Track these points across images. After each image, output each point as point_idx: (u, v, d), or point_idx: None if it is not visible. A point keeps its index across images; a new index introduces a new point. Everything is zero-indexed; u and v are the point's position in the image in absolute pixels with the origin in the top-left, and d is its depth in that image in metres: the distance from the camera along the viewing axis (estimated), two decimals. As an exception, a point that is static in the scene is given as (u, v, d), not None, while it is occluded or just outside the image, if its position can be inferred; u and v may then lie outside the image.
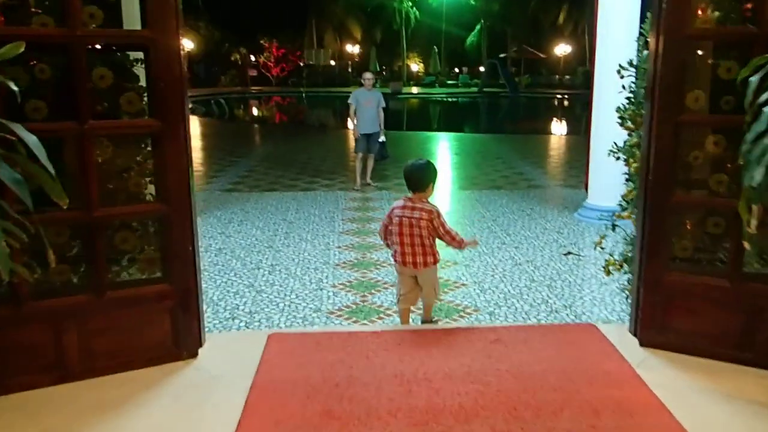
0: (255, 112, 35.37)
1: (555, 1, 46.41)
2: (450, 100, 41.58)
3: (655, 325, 3.24)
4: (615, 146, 3.93)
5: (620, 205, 3.98)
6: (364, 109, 10.13)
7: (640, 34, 3.60)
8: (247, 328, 4.64)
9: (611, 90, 7.59)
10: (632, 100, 3.63)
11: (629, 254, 3.95)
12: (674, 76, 2.87)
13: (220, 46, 51.66)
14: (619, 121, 3.80)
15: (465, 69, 56.33)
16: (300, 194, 9.50)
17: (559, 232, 7.30)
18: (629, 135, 3.86)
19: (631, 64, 3.61)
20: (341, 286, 5.49)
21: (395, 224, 3.68)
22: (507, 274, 5.82)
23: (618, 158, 3.97)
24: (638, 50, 3.60)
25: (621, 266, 3.96)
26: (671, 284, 3.18)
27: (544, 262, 6.16)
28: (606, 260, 3.99)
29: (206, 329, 4.55)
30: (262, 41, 51.07)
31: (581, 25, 47.48)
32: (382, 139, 10.37)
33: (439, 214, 3.72)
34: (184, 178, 2.77)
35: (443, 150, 15.44)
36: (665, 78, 2.88)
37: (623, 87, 3.76)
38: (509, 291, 5.38)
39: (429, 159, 3.97)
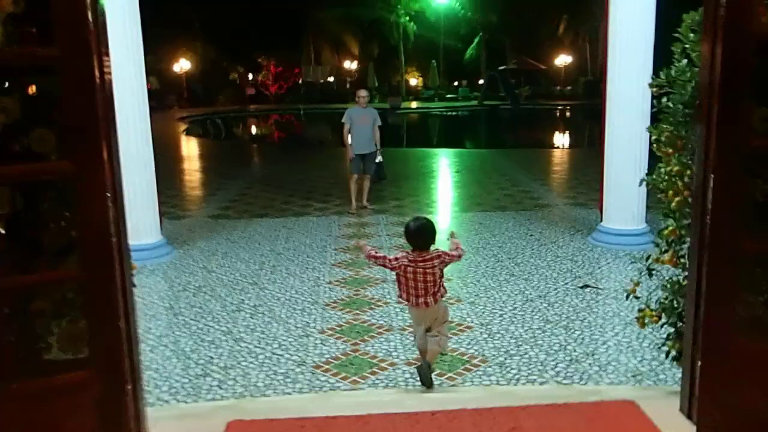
0: (252, 130, 34.84)
1: (554, 11, 45.98)
2: (450, 113, 41.02)
3: (717, 406, 2.53)
4: (648, 176, 3.28)
5: (655, 243, 3.32)
6: (359, 128, 9.52)
7: (676, 39, 2.98)
8: (220, 388, 4.00)
9: (624, 101, 7.04)
10: (669, 119, 3.01)
11: (669, 303, 3.30)
12: (740, 90, 2.25)
13: (217, 65, 51.29)
14: (654, 144, 3.16)
15: (464, 82, 55.76)
16: (291, 220, 8.87)
17: (572, 260, 6.65)
18: (661, 159, 3.22)
19: (667, 75, 2.99)
20: (330, 332, 4.85)
21: (407, 278, 3.73)
22: (517, 313, 5.18)
23: (650, 188, 3.32)
24: (675, 59, 2.98)
25: (659, 318, 3.31)
26: (739, 353, 2.48)
27: (558, 298, 5.51)
28: (640, 310, 3.36)
29: (172, 391, 3.94)
30: (259, 59, 50.65)
31: (582, 35, 47.09)
32: (379, 159, 9.72)
33: (444, 252, 3.81)
34: (105, 236, 2.14)
35: (443, 167, 14.84)
36: (728, 93, 2.26)
37: (654, 102, 3.14)
38: (521, 335, 4.73)
39: (426, 217, 4.02)
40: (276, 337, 4.77)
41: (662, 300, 3.38)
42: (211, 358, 4.43)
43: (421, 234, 3.77)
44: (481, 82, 51.01)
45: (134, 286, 3.17)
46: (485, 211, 9.25)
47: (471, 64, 52.64)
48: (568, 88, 48.40)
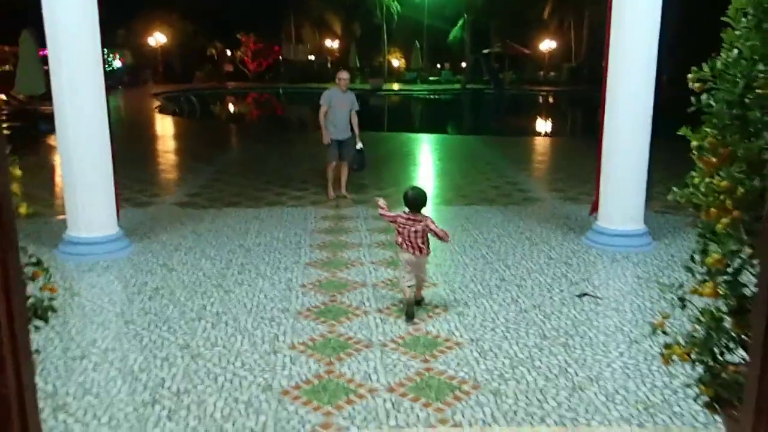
0: (228, 109, 33.89)
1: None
2: (433, 97, 40.38)
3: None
4: (680, 189, 2.74)
5: (689, 269, 2.77)
6: (337, 112, 8.94)
7: (727, 25, 2.43)
8: (169, 420, 3.43)
9: (627, 91, 6.34)
10: (712, 121, 2.47)
11: (703, 339, 2.77)
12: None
13: (194, 40, 50.00)
14: (694, 152, 2.62)
15: (447, 65, 55.13)
16: (264, 211, 8.26)
17: (567, 263, 6.14)
18: (696, 169, 2.68)
19: (712, 68, 2.45)
20: (301, 348, 4.29)
21: (402, 230, 4.89)
22: (511, 326, 4.65)
23: (681, 203, 2.77)
24: (725, 48, 2.43)
25: (688, 355, 2.79)
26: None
27: (554, 308, 4.99)
28: (666, 344, 2.84)
29: (113, 423, 3.35)
30: (238, 35, 49.45)
31: (567, 20, 46.56)
32: (359, 146, 9.13)
33: (432, 221, 4.91)
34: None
35: (425, 155, 14.27)
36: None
37: (693, 100, 2.60)
38: (516, 354, 4.21)
39: (420, 188, 5.10)
40: (239, 354, 4.19)
41: (694, 335, 2.85)
42: (163, 380, 3.85)
43: (415, 201, 4.95)
44: (464, 65, 50.39)
45: (53, 311, 2.59)
46: (471, 205, 8.72)
47: (454, 47, 51.93)
48: (552, 73, 47.98)
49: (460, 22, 49.43)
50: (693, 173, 2.76)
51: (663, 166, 8.02)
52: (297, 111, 30.59)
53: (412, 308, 4.80)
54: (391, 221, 5.07)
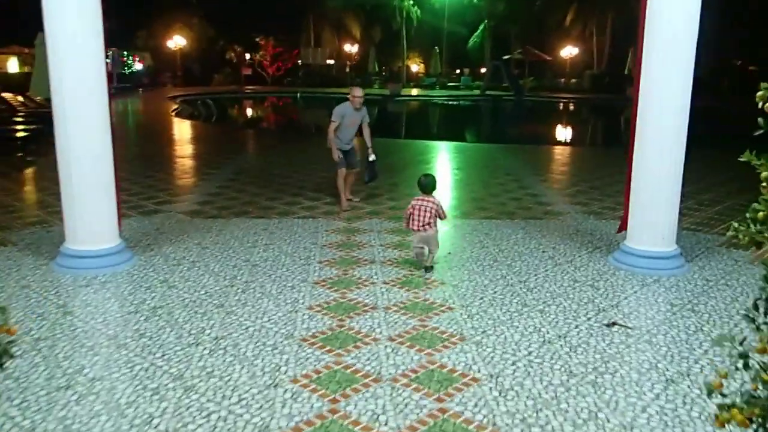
0: (245, 113, 33.69)
1: (562, 1, 44.80)
2: (452, 103, 39.96)
3: None
4: (738, 224, 2.34)
5: (750, 319, 2.36)
6: (347, 129, 8.90)
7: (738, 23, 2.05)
8: (154, 466, 3.08)
9: (662, 98, 5.84)
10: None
11: (763, 401, 2.36)
12: None
13: (214, 43, 50.04)
14: (763, 184, 2.23)
15: (467, 70, 54.72)
16: (274, 222, 7.93)
17: (593, 286, 5.73)
18: (761, 201, 2.28)
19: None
20: (305, 381, 3.92)
21: (416, 209, 5.97)
22: (534, 359, 4.25)
23: (736, 240, 2.36)
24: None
25: (750, 420, 2.39)
26: None
27: (581, 339, 4.59)
28: (724, 407, 2.44)
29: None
30: (257, 39, 49.40)
31: (589, 27, 45.94)
32: (372, 158, 8.95)
33: (439, 204, 6.04)
34: None
35: (444, 163, 13.86)
36: None
37: (761, 122, 2.20)
38: (539, 393, 3.81)
39: (432, 175, 6.33)
40: (236, 387, 3.84)
41: (755, 395, 2.45)
42: (151, 416, 3.51)
43: (427, 186, 6.13)
44: (483, 71, 49.95)
45: (10, 357, 2.25)
46: (490, 218, 8.32)
47: (474, 53, 51.52)
48: (573, 81, 47.39)
49: (481, 28, 49.00)
50: (757, 205, 2.36)
51: (694, 178, 7.57)
52: (314, 115, 30.32)
53: (429, 264, 6.07)
54: (409, 213, 6.05)
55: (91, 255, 5.91)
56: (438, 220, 6.05)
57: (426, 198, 6.03)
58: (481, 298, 5.38)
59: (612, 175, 11.79)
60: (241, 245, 6.85)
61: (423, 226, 5.94)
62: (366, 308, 5.11)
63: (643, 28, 5.99)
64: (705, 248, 6.95)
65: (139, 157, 14.10)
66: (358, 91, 9.00)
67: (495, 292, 5.52)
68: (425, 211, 5.95)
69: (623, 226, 6.50)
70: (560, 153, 17.29)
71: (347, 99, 8.93)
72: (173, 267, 6.10)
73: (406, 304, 5.21)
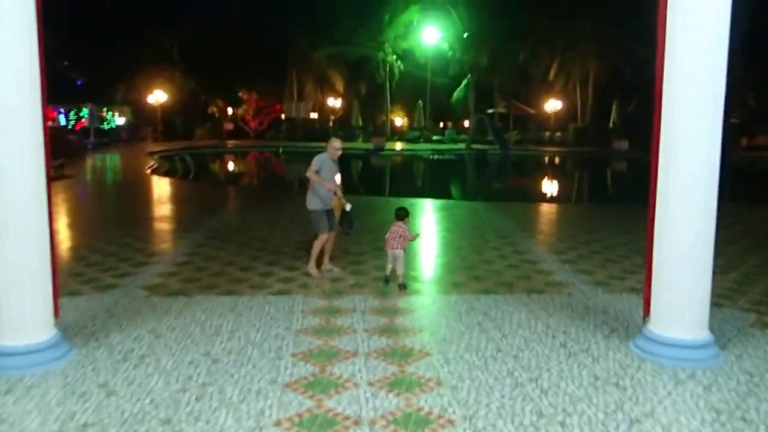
0: (225, 169, 32.85)
1: (544, 55, 45.06)
2: (436, 157, 39.52)
3: None
4: None
5: None
6: (331, 180, 8.06)
7: None
8: None
9: (691, 155, 4.99)
10: None
11: None
12: None
13: (196, 97, 49.63)
14: None
15: (450, 124, 54.67)
16: (244, 300, 6.96)
17: (618, 385, 4.82)
18: None
19: None
20: None
21: (391, 233, 7.46)
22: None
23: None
24: None
25: None
26: None
27: (617, 468, 3.65)
28: None
29: None
30: (240, 93, 49.10)
31: (572, 80, 46.16)
32: (348, 207, 8.24)
33: (407, 229, 7.54)
34: None
35: (430, 224, 12.98)
36: None
37: None
38: None
39: (404, 207, 7.89)
40: None
41: None
42: None
43: (400, 217, 7.56)
44: (467, 124, 49.87)
45: None
46: (487, 293, 7.42)
47: (458, 106, 51.55)
48: (558, 134, 47.35)
49: (464, 82, 49.09)
50: None
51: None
52: (297, 170, 29.59)
53: (390, 279, 7.60)
54: (387, 236, 7.51)
55: (17, 352, 4.93)
56: (407, 241, 7.50)
57: (399, 224, 7.50)
58: (487, 405, 4.43)
59: (611, 237, 11.03)
60: (201, 332, 5.88)
61: (395, 247, 7.39)
62: (348, 424, 4.15)
63: (662, 70, 5.24)
64: (735, 329, 6.09)
65: (105, 220, 13.17)
66: (338, 143, 8.36)
67: (503, 396, 4.59)
68: (398, 235, 7.42)
69: (647, 309, 5.62)
70: (552, 211, 16.55)
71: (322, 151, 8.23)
72: (117, 364, 5.11)
73: (396, 415, 4.26)
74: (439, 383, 4.80)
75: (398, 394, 4.58)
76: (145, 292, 7.28)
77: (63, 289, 7.15)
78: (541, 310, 6.69)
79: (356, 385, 4.74)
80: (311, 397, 4.54)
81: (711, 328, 5.48)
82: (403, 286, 7.40)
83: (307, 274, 8.06)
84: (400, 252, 7.39)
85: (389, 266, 7.55)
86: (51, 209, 5.30)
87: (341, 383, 4.77)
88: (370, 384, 4.76)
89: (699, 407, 4.47)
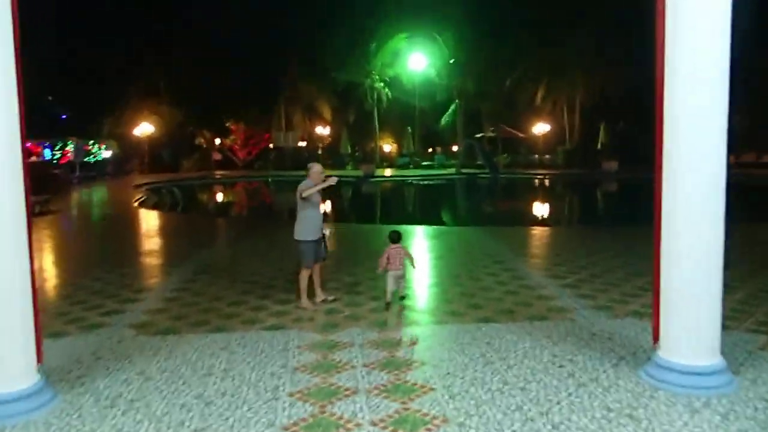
0: (214, 200, 32.56)
1: (531, 80, 45.40)
2: (426, 183, 39.47)
3: None
4: None
5: None
6: (315, 212, 8.02)
7: None
8: None
9: (696, 171, 4.82)
10: None
11: None
12: None
13: (183, 128, 49.49)
14: None
15: (439, 149, 54.80)
16: (236, 337, 6.70)
17: (632, 416, 4.59)
18: None
19: None
20: None
21: (392, 255, 7.79)
22: None
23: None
24: None
25: None
26: None
27: None
28: None
29: None
30: (228, 124, 49.04)
31: (560, 103, 46.49)
32: (327, 231, 8.26)
33: (407, 250, 8.02)
34: None
35: (423, 251, 12.75)
36: None
37: None
38: None
39: (398, 231, 8.27)
40: None
41: None
42: None
43: (396, 238, 7.98)
44: (456, 149, 49.99)
45: None
46: (488, 321, 7.20)
47: (447, 131, 51.73)
48: (547, 156, 47.56)
49: (452, 107, 49.33)
50: None
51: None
52: (286, 199, 29.37)
53: (391, 302, 7.82)
54: (386, 257, 7.82)
55: (-3, 401, 4.65)
56: (407, 262, 7.96)
57: (397, 246, 7.92)
58: (497, 444, 4.20)
59: (608, 259, 10.88)
60: (193, 373, 5.61)
61: (398, 266, 7.79)
62: (350, 470, 3.90)
63: (662, 88, 5.10)
64: (745, 352, 5.89)
65: (91, 256, 12.87)
66: (318, 166, 8.15)
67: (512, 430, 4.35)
68: (399, 255, 7.85)
69: (656, 335, 5.41)
70: (546, 235, 16.39)
71: (295, 180, 8.24)
72: (105, 410, 4.84)
73: (402, 459, 4.01)
74: (445, 420, 4.55)
75: (403, 434, 4.34)
76: (133, 331, 7.00)
77: (46, 330, 6.88)
78: (545, 338, 6.47)
79: (358, 426, 4.49)
80: (311, 440, 4.29)
81: (721, 352, 5.29)
82: (403, 297, 8.08)
83: (300, 308, 7.84)
84: (402, 271, 7.88)
85: (390, 289, 7.79)
86: (32, 247, 5.05)
87: (342, 424, 4.52)
88: (374, 424, 4.51)
89: (720, 439, 4.25)
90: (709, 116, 4.87)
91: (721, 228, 5.04)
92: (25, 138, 4.99)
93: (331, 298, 8.15)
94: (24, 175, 4.93)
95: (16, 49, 4.80)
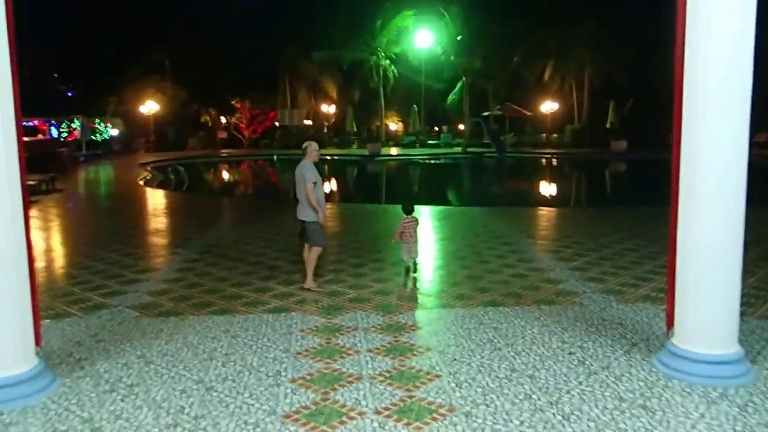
0: (219, 179, 32.42)
1: (539, 57, 44.82)
2: (432, 161, 39.19)
3: None
4: None
5: None
6: (321, 190, 7.88)
7: None
8: None
9: (717, 153, 4.64)
10: None
11: None
12: None
13: (188, 107, 49.21)
14: None
15: (445, 127, 54.39)
16: (239, 319, 6.58)
17: (645, 407, 4.45)
18: None
19: None
20: None
21: (406, 227, 8.32)
22: None
23: None
24: None
25: None
26: None
27: (657, 508, 3.29)
28: None
29: None
30: (233, 102, 48.72)
31: (567, 81, 45.93)
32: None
33: (418, 222, 8.49)
34: None
35: (429, 232, 12.58)
36: None
37: None
38: None
39: (411, 204, 8.77)
40: None
41: None
42: None
43: (409, 210, 8.52)
44: (462, 127, 49.60)
45: None
46: (495, 305, 7.05)
47: (453, 109, 51.30)
48: (554, 135, 47.08)
49: (459, 85, 48.83)
50: None
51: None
52: (292, 178, 29.22)
53: (409, 269, 8.43)
54: (401, 231, 8.37)
55: (-6, 385, 4.55)
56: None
57: (411, 218, 8.43)
58: (506, 435, 4.07)
59: (618, 242, 10.69)
60: (194, 357, 5.49)
61: (411, 238, 8.33)
62: (354, 461, 3.77)
63: (681, 65, 4.88)
64: (762, 340, 5.74)
65: (95, 235, 12.75)
66: (316, 145, 8.08)
67: (522, 423, 4.22)
68: (412, 228, 8.34)
69: (671, 321, 5.26)
70: (554, 216, 16.19)
71: (301, 158, 7.99)
72: (104, 395, 4.73)
73: (408, 450, 3.89)
74: (451, 409, 4.42)
75: (408, 424, 4.21)
76: (135, 313, 6.90)
77: (48, 311, 6.82)
78: (554, 323, 6.32)
79: (362, 414, 4.36)
80: (313, 429, 4.16)
81: (746, 344, 5.13)
82: (415, 265, 8.46)
83: (305, 290, 7.71)
84: (414, 242, 8.37)
85: (405, 258, 8.46)
86: (29, 228, 4.92)
87: (345, 412, 4.40)
88: (377, 412, 4.39)
89: (737, 431, 4.11)
90: (731, 95, 4.65)
91: (741, 210, 4.85)
92: (20, 118, 4.83)
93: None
94: (20, 154, 4.78)
95: (9, 30, 4.61)
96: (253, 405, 4.53)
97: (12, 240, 4.66)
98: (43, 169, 20.39)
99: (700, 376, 4.82)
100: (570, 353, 5.50)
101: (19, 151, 4.76)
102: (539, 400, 4.57)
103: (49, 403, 4.62)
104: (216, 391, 4.79)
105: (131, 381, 5.00)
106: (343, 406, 4.50)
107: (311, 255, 7.84)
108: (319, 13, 45.31)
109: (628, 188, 26.59)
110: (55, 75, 48.69)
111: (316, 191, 7.69)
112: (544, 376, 5.01)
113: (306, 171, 7.71)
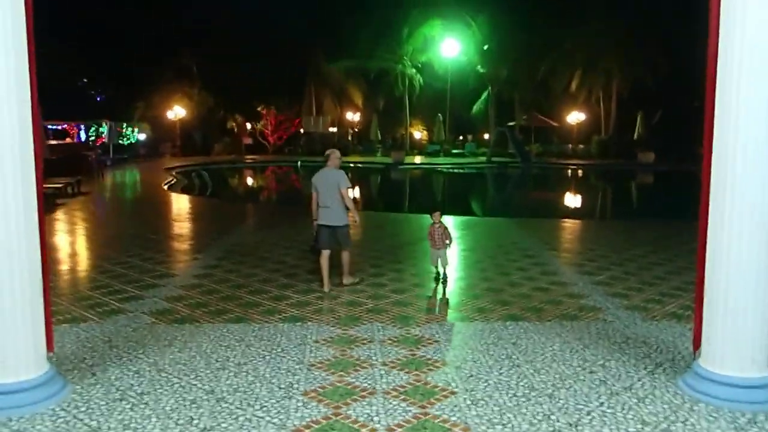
0: (243, 185, 32.57)
1: (566, 68, 44.41)
2: (456, 171, 38.98)
3: None
4: None
5: None
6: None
7: None
8: None
9: (757, 153, 4.44)
10: None
11: None
12: None
13: (215, 113, 49.66)
14: None
15: (470, 137, 54.15)
16: (254, 329, 6.49)
17: (669, 431, 4.26)
18: None
19: None
20: None
21: (435, 232, 8.21)
22: None
23: None
24: None
25: None
26: None
27: None
28: None
29: None
30: (259, 108, 49.05)
31: (595, 92, 45.44)
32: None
33: (446, 227, 8.29)
34: None
35: (453, 243, 12.44)
36: None
37: None
38: None
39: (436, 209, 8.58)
40: None
41: None
42: None
43: (433, 215, 8.34)
44: (486, 137, 49.34)
45: None
46: (515, 319, 6.88)
47: (478, 119, 51.06)
48: (581, 146, 46.59)
49: (484, 95, 48.59)
50: None
51: None
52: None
53: (438, 278, 8.41)
54: (429, 235, 8.39)
55: (2, 391, 4.50)
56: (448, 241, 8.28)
57: (438, 224, 8.28)
58: (522, 458, 3.91)
59: (644, 256, 10.45)
60: (207, 366, 5.41)
61: (439, 244, 8.23)
62: (363, 481, 3.65)
63: (714, 72, 4.70)
64: (793, 363, 5.48)
65: (117, 239, 12.81)
66: (338, 152, 8.67)
67: (539, 445, 4.06)
68: (440, 234, 8.22)
69: (698, 340, 5.05)
70: (579, 228, 15.93)
71: (324, 165, 8.41)
72: (113, 404, 4.66)
73: (420, 471, 3.75)
74: (466, 429, 4.28)
75: (421, 444, 4.08)
76: (151, 319, 6.86)
77: (63, 316, 6.82)
78: (575, 340, 6.14)
79: (374, 431, 4.23)
80: (324, 446, 4.05)
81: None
82: (445, 281, 8.34)
83: (322, 297, 7.66)
84: (443, 250, 8.25)
85: (433, 265, 8.46)
86: (44, 232, 4.88)
87: (357, 428, 4.27)
88: (389, 430, 4.25)
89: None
90: (766, 104, 4.46)
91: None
92: (38, 120, 4.81)
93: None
94: (36, 156, 4.75)
95: (29, 35, 4.59)
96: (263, 418, 4.43)
97: (25, 244, 4.62)
98: (70, 172, 20.65)
99: (728, 401, 4.61)
100: (591, 372, 5.31)
101: (36, 153, 4.73)
102: (558, 421, 4.40)
103: (58, 410, 4.57)
104: (226, 402, 4.69)
105: (142, 389, 4.93)
106: (355, 421, 4.37)
107: (347, 257, 8.31)
108: (346, 21, 45.45)
109: (654, 201, 26.14)
110: (85, 80, 49.46)
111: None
112: (563, 395, 4.84)
113: (341, 178, 8.10)
